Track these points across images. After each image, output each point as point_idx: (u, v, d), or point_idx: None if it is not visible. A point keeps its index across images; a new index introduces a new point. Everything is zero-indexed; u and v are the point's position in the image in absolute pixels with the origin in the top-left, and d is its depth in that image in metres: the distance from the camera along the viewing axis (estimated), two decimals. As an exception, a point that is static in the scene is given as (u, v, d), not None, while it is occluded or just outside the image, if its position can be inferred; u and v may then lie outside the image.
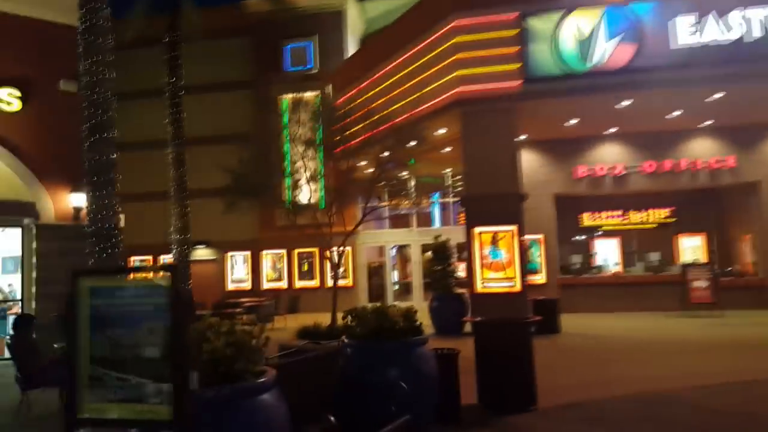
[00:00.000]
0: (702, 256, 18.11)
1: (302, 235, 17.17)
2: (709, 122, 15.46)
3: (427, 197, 20.67)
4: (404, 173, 19.11)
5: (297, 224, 15.28)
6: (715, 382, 6.56)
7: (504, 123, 12.48)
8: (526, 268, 16.29)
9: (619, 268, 17.92)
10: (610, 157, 16.47)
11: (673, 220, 18.70)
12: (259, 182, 13.71)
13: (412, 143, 15.11)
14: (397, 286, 20.29)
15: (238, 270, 19.15)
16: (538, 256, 16.45)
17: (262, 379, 2.57)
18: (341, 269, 18.48)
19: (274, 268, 18.94)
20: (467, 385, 5.52)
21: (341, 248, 12.50)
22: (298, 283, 18.38)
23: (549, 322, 11.77)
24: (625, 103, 12.80)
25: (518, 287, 11.99)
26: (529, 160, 16.79)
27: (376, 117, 13.16)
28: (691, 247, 18.51)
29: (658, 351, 9.16)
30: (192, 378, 2.28)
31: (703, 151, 15.92)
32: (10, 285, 10.62)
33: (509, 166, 12.38)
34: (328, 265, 18.58)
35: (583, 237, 19.42)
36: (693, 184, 16.07)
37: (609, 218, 19.27)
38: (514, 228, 12.11)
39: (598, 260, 18.67)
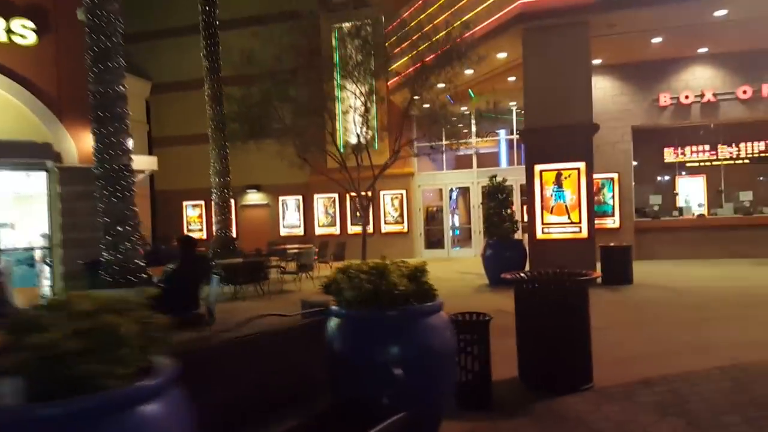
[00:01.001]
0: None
1: (354, 178, 16.42)
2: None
3: (491, 134, 19.24)
4: (464, 108, 17.74)
5: (349, 166, 14.52)
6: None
7: (573, 42, 10.77)
8: (596, 211, 14.80)
9: (704, 210, 15.94)
10: (698, 82, 14.25)
11: (772, 154, 16.28)
12: (309, 122, 12.96)
13: (471, 71, 13.71)
14: (457, 232, 19.24)
15: (290, 215, 18.73)
16: (611, 197, 14.82)
17: (147, 383, 1.72)
18: (396, 213, 17.64)
19: (327, 212, 18.36)
20: (510, 354, 4.55)
21: (368, 192, 11.60)
22: (351, 229, 17.72)
23: (620, 272, 10.49)
24: (721, 12, 10.67)
25: (585, 233, 10.65)
26: (602, 88, 14.90)
27: (431, 41, 11.84)
28: (794, 185, 16.17)
29: (752, 308, 7.72)
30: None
31: (816, 70, 13.39)
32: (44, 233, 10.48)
33: (579, 92, 10.76)
34: (383, 209, 17.77)
35: (665, 176, 17.38)
36: (801, 110, 13.65)
37: (695, 153, 17.07)
38: (581, 165, 10.65)
39: (681, 201, 16.71)
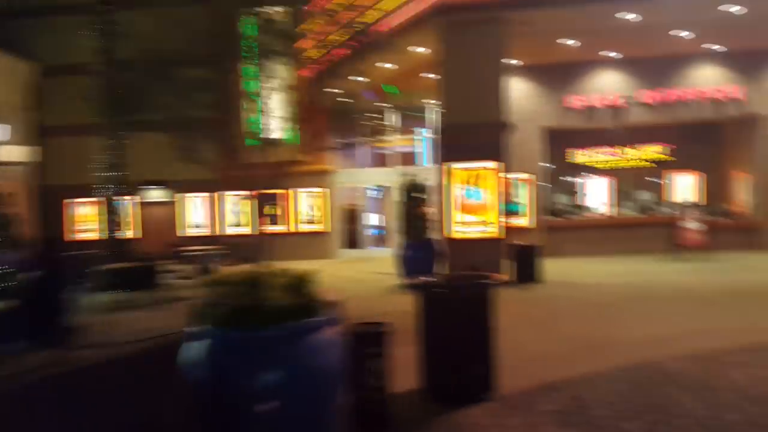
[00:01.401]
0: (695, 196, 16.92)
1: (268, 175, 15.71)
2: (716, 46, 13.78)
3: (411, 132, 19.14)
4: (385, 104, 17.54)
5: (262, 162, 13.80)
6: (727, 345, 5.36)
7: (491, 39, 10.77)
8: (508, 210, 15.04)
9: (609, 209, 16.70)
10: (606, 86, 14.85)
11: (670, 157, 17.33)
12: (218, 116, 12.17)
13: (390, 65, 13.47)
14: (377, 231, 18.98)
15: (196, 214, 17.65)
16: (522, 196, 15.11)
17: None
18: (313, 212, 17.11)
19: (238, 211, 17.47)
20: (418, 362, 4.25)
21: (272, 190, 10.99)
22: (265, 229, 16.93)
23: (529, 271, 10.61)
24: (629, 16, 11.04)
25: (497, 232, 10.69)
26: (517, 89, 15.12)
27: (349, 31, 11.43)
28: (685, 186, 17.29)
29: (652, 303, 7.97)
30: None
31: (707, 80, 14.33)
32: None
33: (495, 90, 10.77)
34: (298, 208, 17.18)
35: (574, 176, 18.04)
36: (694, 116, 14.56)
37: (602, 155, 17.85)
38: (495, 164, 10.67)
39: (588, 201, 17.41)
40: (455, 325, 3.90)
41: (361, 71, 14.13)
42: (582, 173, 17.93)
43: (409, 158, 19.30)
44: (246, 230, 16.80)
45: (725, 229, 14.24)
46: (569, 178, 18.00)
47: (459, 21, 10.75)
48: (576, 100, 14.80)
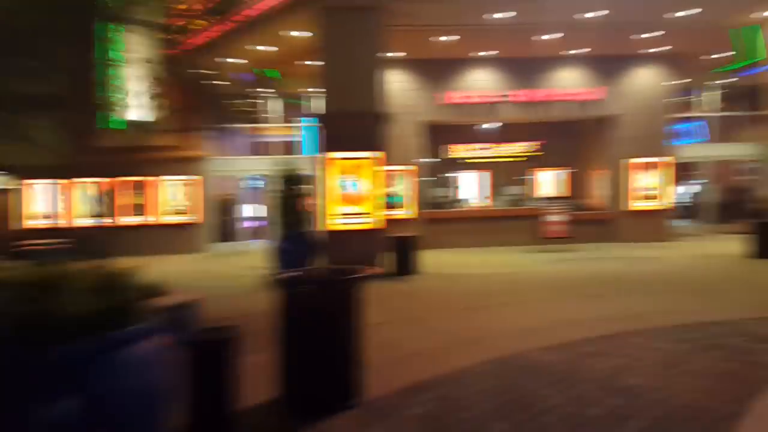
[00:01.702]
0: (561, 190, 18.17)
1: (129, 161, 14.27)
2: (580, 50, 14.76)
3: (293, 120, 18.45)
4: (265, 90, 16.69)
5: (123, 146, 12.46)
6: (591, 334, 5.52)
7: (370, 27, 10.49)
8: (389, 202, 15.01)
9: (484, 202, 17.35)
10: (482, 83, 15.30)
11: (539, 153, 18.41)
12: (72, 92, 10.66)
13: (267, 48, 12.72)
14: (255, 224, 18.04)
15: (42, 203, 15.54)
16: (403, 188, 15.15)
17: None
18: (182, 202, 15.79)
19: (92, 200, 15.65)
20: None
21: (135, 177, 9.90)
22: (124, 220, 15.33)
23: (407, 263, 10.56)
24: (499, 15, 11.36)
25: (376, 224, 10.50)
26: (399, 82, 15.13)
27: (217, 10, 10.58)
28: (551, 181, 18.49)
29: (522, 293, 8.20)
30: None
31: (572, 81, 15.32)
32: None
33: (373, 81, 10.52)
34: (165, 197, 15.76)
35: (452, 169, 18.53)
36: (560, 115, 15.51)
37: (478, 150, 18.51)
38: (374, 154, 10.44)
39: (465, 194, 17.97)
40: (317, 325, 3.50)
41: (237, 53, 13.26)
42: (460, 167, 18.46)
43: (291, 147, 18.64)
44: (100, 222, 15.10)
45: (585, 221, 15.34)
46: (448, 172, 18.45)
47: (337, 6, 10.36)
48: (454, 96, 15.09)
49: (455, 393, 4.01)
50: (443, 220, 15.55)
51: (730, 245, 13.47)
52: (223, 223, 17.99)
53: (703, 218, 18.36)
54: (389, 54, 14.44)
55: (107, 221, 14.94)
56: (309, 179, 11.99)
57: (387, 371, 4.52)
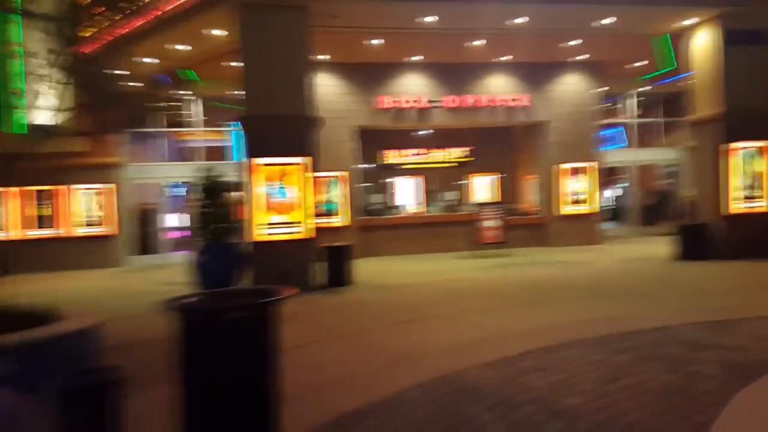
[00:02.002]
0: (494, 195, 18.28)
1: (34, 168, 12.95)
2: (509, 57, 14.88)
3: (220, 125, 17.59)
4: (186, 93, 15.73)
5: (27, 152, 11.16)
6: (529, 346, 5.25)
7: (296, 28, 9.96)
8: (323, 210, 14.49)
9: (419, 208, 17.16)
10: (414, 88, 15.10)
11: (471, 158, 18.47)
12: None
13: (185, 47, 11.91)
14: (178, 235, 16.94)
15: (-69, 216, 13.89)
16: (337, 195, 14.68)
17: None
18: (96, 213, 14.54)
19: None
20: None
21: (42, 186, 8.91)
22: (30, 233, 13.92)
23: (340, 274, 10.11)
24: (429, 18, 11.13)
25: (307, 233, 9.95)
26: (331, 86, 14.68)
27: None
28: (485, 186, 18.58)
29: (458, 303, 7.93)
30: None
31: (501, 88, 15.41)
32: None
33: (301, 83, 10.00)
34: (75, 208, 14.48)
35: (388, 175, 18.24)
36: (491, 121, 15.58)
37: (412, 156, 18.34)
38: (304, 160, 9.91)
39: (400, 200, 17.72)
40: (223, 356, 2.96)
41: (155, 52, 12.37)
42: (394, 173, 18.21)
43: (217, 153, 17.74)
44: (5, 234, 13.65)
45: (519, 226, 15.46)
46: (382, 178, 18.15)
47: (259, 3, 9.78)
48: (386, 101, 14.80)
49: (388, 425, 3.58)
50: (379, 228, 15.20)
51: (656, 248, 13.89)
52: (143, 234, 16.85)
53: (628, 221, 19.01)
54: (321, 57, 14.02)
55: (3, 235, 13.51)
56: (237, 186, 11.29)
57: (311, 401, 4.04)
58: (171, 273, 11.81)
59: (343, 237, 14.18)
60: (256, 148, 9.74)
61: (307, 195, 9.92)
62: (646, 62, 15.81)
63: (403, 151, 18.20)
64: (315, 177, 14.26)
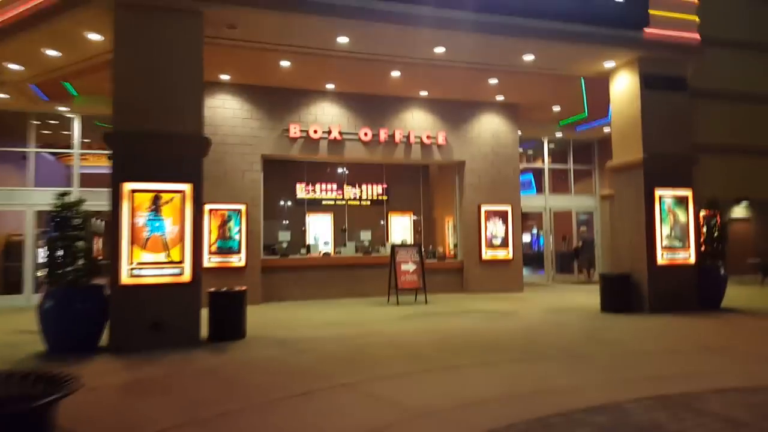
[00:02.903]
0: (413, 237, 17.33)
1: None
2: (425, 93, 14.16)
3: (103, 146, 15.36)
4: (63, 108, 13.46)
5: None
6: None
7: (184, 34, 8.46)
8: (220, 248, 12.71)
9: (331, 249, 15.76)
10: (326, 118, 13.89)
11: (386, 197, 17.47)
12: None
13: (55, 52, 9.98)
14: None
15: None
16: (237, 231, 12.96)
17: None
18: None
19: None
20: None
21: None
22: None
23: (229, 325, 8.44)
24: (340, 39, 10.05)
25: (187, 276, 8.21)
26: (232, 109, 13.18)
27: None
28: (401, 227, 17.60)
29: (368, 364, 6.53)
30: None
31: (417, 123, 14.57)
32: None
33: (190, 97, 8.43)
34: None
35: (296, 212, 16.74)
36: (406, 158, 14.61)
37: (324, 192, 17.03)
38: (187, 187, 8.26)
39: (310, 239, 16.25)
40: None
41: (20, 57, 10.40)
42: (306, 210, 16.77)
43: (104, 179, 15.48)
44: None
45: (436, 271, 14.47)
46: (292, 215, 16.64)
47: (137, 4, 8.22)
48: (295, 130, 13.46)
49: None
50: (284, 269, 13.60)
51: (578, 297, 13.37)
52: (4, 270, 14.31)
53: (546, 267, 18.67)
54: (223, 76, 12.55)
55: None
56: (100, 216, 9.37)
57: None
58: (33, 318, 9.54)
59: (244, 279, 12.53)
60: (125, 170, 7.95)
61: (189, 229, 8.23)
62: (559, 108, 15.72)
63: (315, 186, 16.86)
64: (212, 210, 12.59)
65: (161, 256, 8.11)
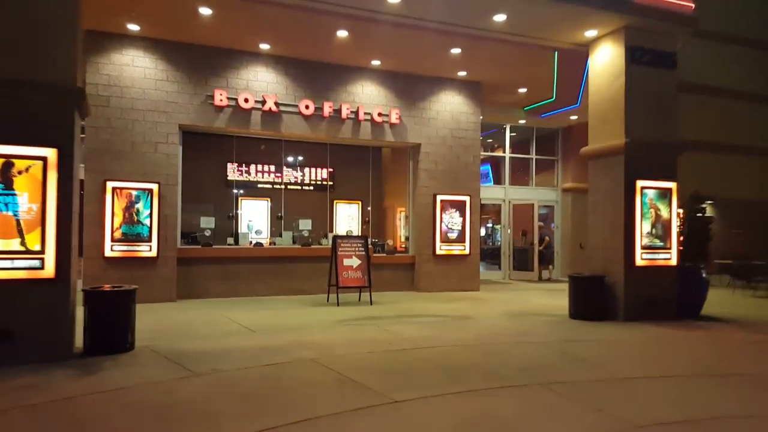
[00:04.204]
0: (359, 228, 15.62)
1: None
2: (377, 62, 12.38)
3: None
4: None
5: None
6: None
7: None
8: (126, 234, 10.56)
9: (264, 239, 13.83)
10: (260, 85, 11.87)
11: (331, 183, 15.66)
12: None
13: None
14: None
15: None
16: (147, 215, 10.85)
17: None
18: None
19: None
20: None
21: None
22: None
23: (111, 335, 6.49)
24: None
25: (51, 270, 6.15)
26: (143, 67, 10.99)
27: None
28: (349, 217, 15.86)
29: (284, 395, 4.74)
30: None
31: (368, 99, 12.75)
32: None
33: (52, 37, 6.31)
34: None
35: (225, 195, 14.67)
36: (354, 138, 12.76)
37: (260, 173, 15.04)
38: (50, 152, 6.17)
39: (243, 227, 14.26)
40: None
41: None
42: (237, 193, 14.73)
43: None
44: None
45: (384, 266, 12.82)
46: (219, 198, 14.55)
47: None
48: (221, 97, 11.40)
49: None
50: (205, 261, 11.58)
51: (540, 298, 12.06)
52: None
53: (503, 264, 17.37)
54: (132, 26, 10.37)
55: None
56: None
57: None
58: None
59: (156, 271, 10.51)
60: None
61: (52, 208, 6.16)
62: (525, 90, 14.31)
63: (250, 167, 14.83)
64: (116, 188, 10.46)
65: (13, 244, 6.02)
